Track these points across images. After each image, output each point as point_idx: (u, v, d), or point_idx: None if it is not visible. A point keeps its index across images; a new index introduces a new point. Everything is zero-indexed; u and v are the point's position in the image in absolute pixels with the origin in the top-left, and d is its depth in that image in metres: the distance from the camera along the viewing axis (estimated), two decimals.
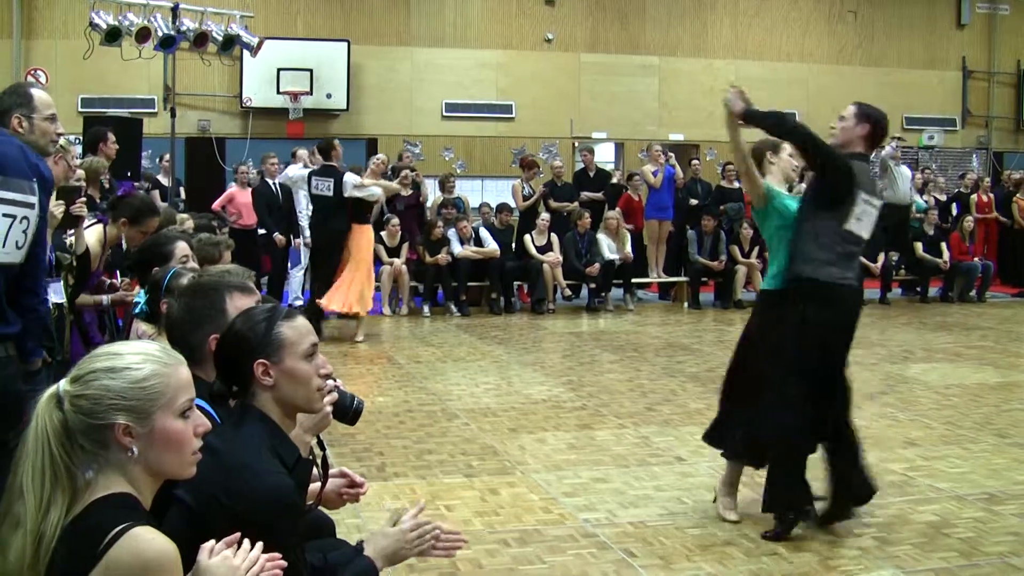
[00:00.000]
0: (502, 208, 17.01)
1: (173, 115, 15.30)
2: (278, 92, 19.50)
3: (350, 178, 13.01)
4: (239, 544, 2.70)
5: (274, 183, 15.47)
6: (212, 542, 2.68)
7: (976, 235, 19.13)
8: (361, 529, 5.75)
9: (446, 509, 6.46)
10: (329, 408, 3.48)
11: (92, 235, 6.96)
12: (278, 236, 15.16)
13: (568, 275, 16.52)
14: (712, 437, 6.58)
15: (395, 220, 15.87)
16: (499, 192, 18.81)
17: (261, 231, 15.35)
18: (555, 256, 16.30)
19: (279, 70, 19.37)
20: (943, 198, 20.18)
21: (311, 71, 19.64)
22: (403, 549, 3.59)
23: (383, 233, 15.87)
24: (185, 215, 9.81)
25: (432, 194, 17.91)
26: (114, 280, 7.42)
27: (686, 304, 17.30)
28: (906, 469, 7.53)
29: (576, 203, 17.46)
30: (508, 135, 21.15)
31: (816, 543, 5.95)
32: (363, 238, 13.29)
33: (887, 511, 6.54)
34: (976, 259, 18.65)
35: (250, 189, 15.70)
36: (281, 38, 19.02)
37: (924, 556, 5.78)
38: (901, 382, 10.99)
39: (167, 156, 16.13)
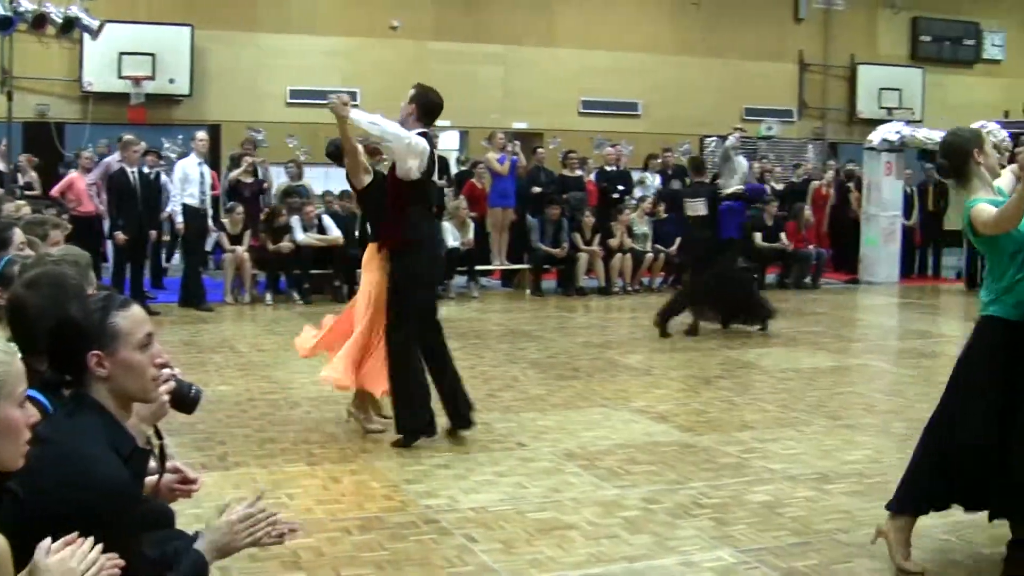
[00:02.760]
0: (344, 194, 16.94)
1: (10, 99, 14.94)
2: (119, 76, 19.16)
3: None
4: (79, 543, 2.67)
5: (133, 171, 14.57)
6: (49, 541, 2.64)
7: (812, 223, 19.64)
8: (201, 519, 5.62)
9: (288, 498, 6.43)
10: (166, 397, 3.45)
11: None
12: (119, 235, 14.38)
13: None
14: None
15: (239, 207, 15.73)
16: (344, 180, 18.69)
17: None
18: None
19: (121, 54, 19.04)
20: (780, 187, 20.66)
21: (153, 56, 19.34)
22: (233, 540, 3.53)
23: (226, 220, 15.74)
24: (21, 201, 9.60)
25: (276, 181, 17.76)
26: None
27: (528, 291, 17.46)
28: (741, 451, 7.72)
29: None
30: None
31: (654, 525, 6.07)
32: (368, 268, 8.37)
33: (723, 492, 6.71)
34: (811, 247, 19.16)
35: (99, 177, 15.24)
36: (123, 21, 18.64)
37: (758, 535, 5.94)
38: (739, 367, 11.27)
39: (3, 141, 15.69)
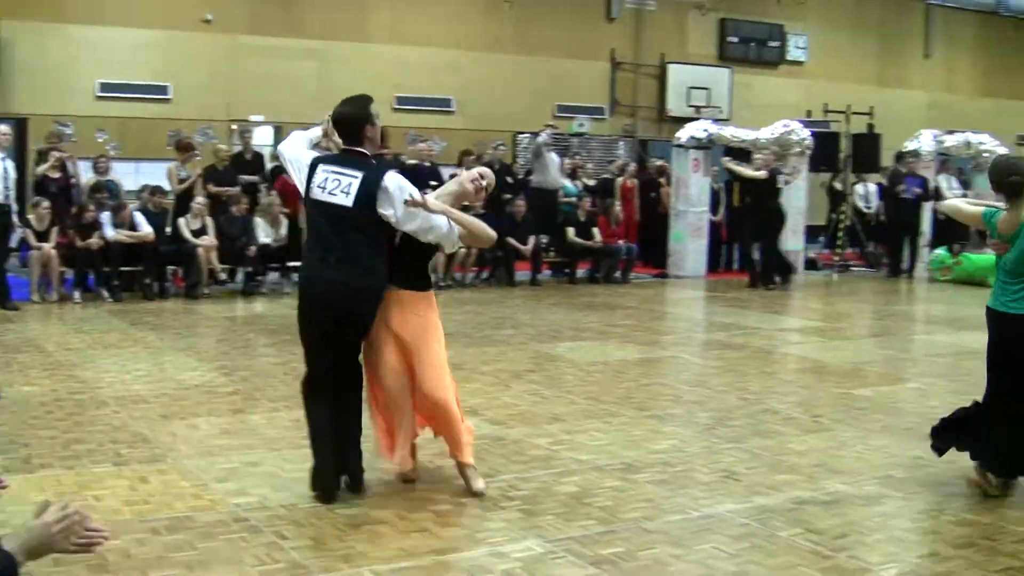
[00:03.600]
0: (155, 191, 16.67)
1: None
2: None
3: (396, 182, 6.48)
4: None
5: None
6: None
7: (621, 218, 20.01)
8: (5, 525, 5.59)
9: (95, 499, 6.34)
10: None
11: None
12: None
13: (224, 259, 16.38)
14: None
15: (45, 203, 15.35)
16: (154, 175, 18.38)
17: None
18: (210, 240, 16.10)
19: None
20: (592, 183, 21.01)
21: None
22: (47, 541, 3.49)
23: (31, 217, 15.35)
24: None
25: (84, 176, 17.38)
26: None
27: None
28: (550, 443, 7.87)
29: (238, 187, 17.29)
30: (164, 117, 20.71)
31: (464, 518, 6.17)
32: (417, 315, 6.70)
33: (532, 484, 6.83)
34: (621, 242, 19.53)
35: None
36: None
37: (565, 525, 6.07)
38: (549, 361, 11.45)
39: None
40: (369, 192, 6.39)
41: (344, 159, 6.60)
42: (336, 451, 6.56)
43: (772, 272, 18.98)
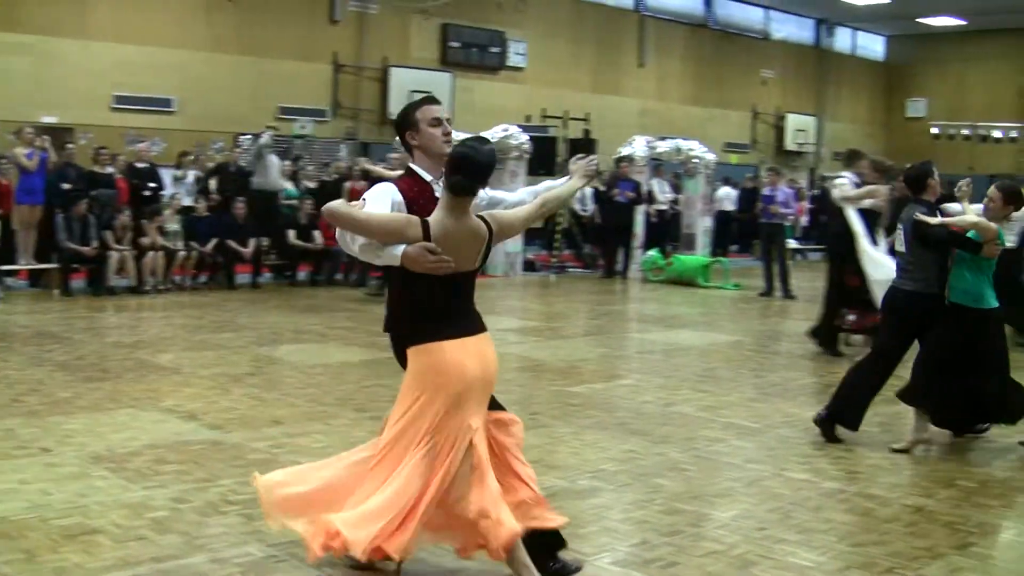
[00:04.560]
0: None
1: None
2: None
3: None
4: None
5: None
6: None
7: None
8: None
9: None
10: None
11: None
12: None
13: None
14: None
15: None
16: None
17: None
18: None
19: None
20: (313, 186, 20.93)
21: None
22: None
23: None
24: None
25: None
26: None
27: (57, 291, 16.88)
28: (270, 447, 7.89)
29: None
30: None
31: (183, 524, 6.13)
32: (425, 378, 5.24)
33: (252, 489, 6.74)
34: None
35: None
36: None
37: (287, 529, 6.08)
38: (269, 364, 11.44)
39: None
40: None
41: None
42: None
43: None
